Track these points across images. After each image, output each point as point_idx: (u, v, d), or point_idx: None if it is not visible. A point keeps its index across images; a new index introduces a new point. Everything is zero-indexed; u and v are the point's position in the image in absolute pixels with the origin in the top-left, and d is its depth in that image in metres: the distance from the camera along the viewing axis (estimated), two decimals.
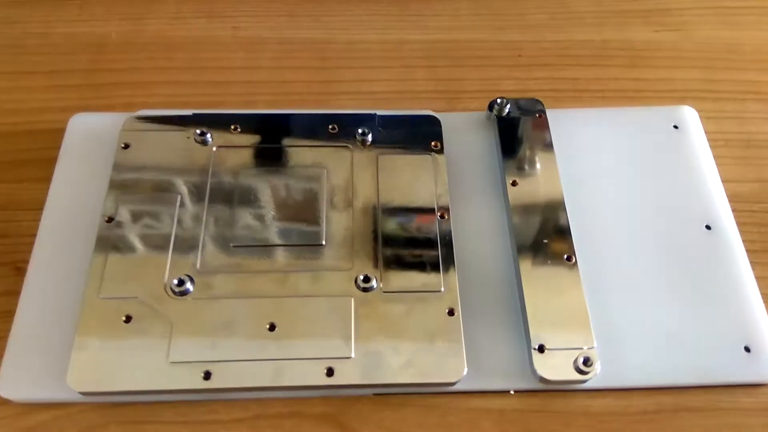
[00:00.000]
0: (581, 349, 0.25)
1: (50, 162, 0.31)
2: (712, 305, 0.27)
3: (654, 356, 0.26)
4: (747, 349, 0.26)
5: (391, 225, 0.28)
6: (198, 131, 0.30)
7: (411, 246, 0.27)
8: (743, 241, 0.29)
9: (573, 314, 0.26)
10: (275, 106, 0.34)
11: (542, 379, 0.25)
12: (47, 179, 0.30)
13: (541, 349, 0.25)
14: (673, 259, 0.28)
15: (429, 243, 0.27)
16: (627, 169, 0.31)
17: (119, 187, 0.28)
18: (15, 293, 0.28)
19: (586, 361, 0.25)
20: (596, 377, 0.25)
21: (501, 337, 0.26)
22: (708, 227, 0.29)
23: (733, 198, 0.31)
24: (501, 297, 0.27)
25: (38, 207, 0.30)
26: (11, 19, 0.37)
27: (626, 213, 0.30)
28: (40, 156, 0.31)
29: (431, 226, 0.28)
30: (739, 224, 0.30)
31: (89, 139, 0.31)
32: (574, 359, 0.25)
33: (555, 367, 0.25)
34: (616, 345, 0.26)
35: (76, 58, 0.35)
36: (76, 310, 0.26)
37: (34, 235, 0.29)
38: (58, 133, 0.32)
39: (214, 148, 0.30)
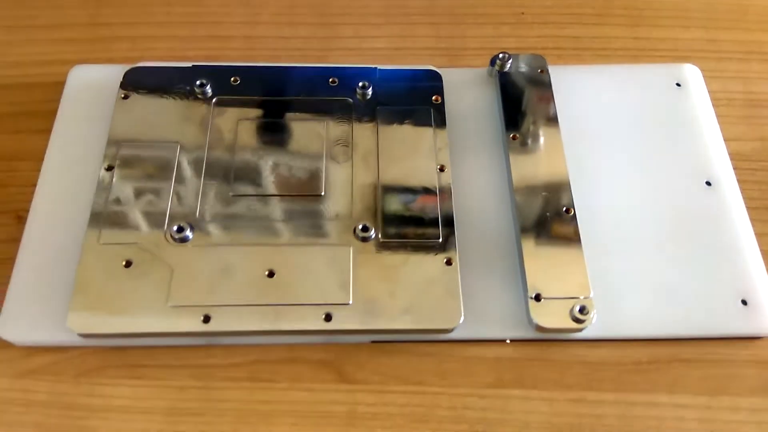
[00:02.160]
0: (578, 298, 0.25)
1: (50, 114, 0.31)
2: (710, 259, 0.27)
3: (651, 308, 0.26)
4: (744, 303, 0.26)
5: (391, 177, 0.28)
6: (198, 83, 0.30)
7: (410, 197, 0.27)
8: (743, 198, 0.29)
9: (570, 265, 0.26)
10: (275, 60, 0.33)
11: (538, 327, 0.25)
12: (47, 131, 0.30)
13: (537, 297, 0.25)
14: (672, 214, 0.28)
15: (428, 194, 0.27)
16: (628, 125, 0.31)
17: (119, 136, 0.28)
18: (16, 241, 0.28)
19: (582, 310, 0.25)
20: (592, 328, 0.25)
21: (498, 288, 0.26)
22: (708, 183, 0.29)
23: (734, 156, 0.31)
24: (499, 248, 0.27)
25: (39, 158, 0.30)
26: None
27: (626, 167, 0.30)
28: (40, 108, 0.31)
29: (431, 178, 0.28)
30: (740, 181, 0.30)
31: (89, 90, 0.30)
32: (570, 308, 0.25)
33: (551, 316, 0.25)
34: (613, 296, 0.26)
35: (75, 12, 0.35)
36: (75, 254, 0.26)
37: (35, 185, 0.29)
38: (58, 86, 0.32)
39: (214, 100, 0.29)
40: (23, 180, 0.29)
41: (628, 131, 0.31)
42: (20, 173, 0.30)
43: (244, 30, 0.35)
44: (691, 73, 0.32)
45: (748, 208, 0.29)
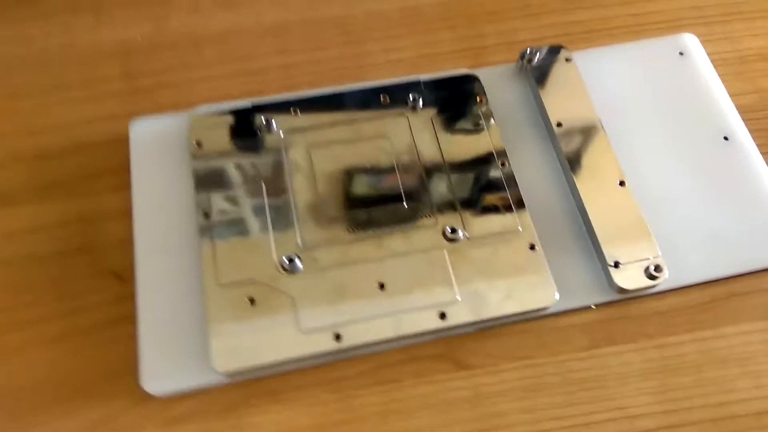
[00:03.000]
0: (649, 259, 0.29)
1: (119, 170, 0.32)
2: (741, 203, 0.31)
3: (702, 254, 0.30)
4: None
5: (461, 178, 0.31)
6: (264, 119, 0.31)
7: (482, 194, 0.30)
8: (756, 145, 0.33)
9: (635, 230, 0.29)
10: (316, 85, 0.35)
11: (620, 290, 0.29)
12: (123, 186, 0.31)
13: (616, 264, 0.29)
14: (701, 168, 0.32)
15: (497, 189, 0.30)
16: (647, 95, 0.34)
17: (205, 182, 0.30)
18: (123, 299, 0.29)
19: (657, 268, 0.28)
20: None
21: (574, 262, 0.30)
22: (726, 138, 0.33)
23: (738, 109, 0.35)
24: (566, 226, 0.31)
25: (123, 214, 0.31)
26: (27, 34, 0.37)
27: (654, 134, 0.33)
28: (106, 165, 0.32)
29: (496, 173, 0.31)
30: (750, 131, 0.34)
31: (155, 141, 0.32)
32: (644, 268, 0.29)
33: (630, 279, 0.29)
34: (670, 251, 0.30)
35: (107, 66, 0.36)
36: (194, 300, 0.28)
37: (125, 242, 0.30)
38: (117, 142, 0.33)
39: (282, 133, 0.31)
40: (113, 239, 0.31)
41: (648, 101, 0.34)
42: (109, 233, 0.31)
43: (277, 59, 0.36)
44: (690, 42, 0.36)
45: (762, 153, 0.33)
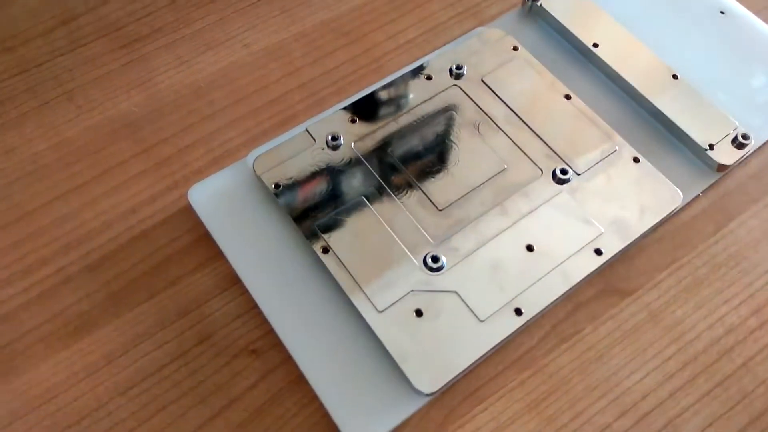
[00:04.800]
0: (730, 132, 0.30)
1: (190, 246, 0.29)
2: (763, 61, 0.34)
3: (757, 115, 0.32)
4: None
5: (540, 122, 0.30)
6: (330, 137, 0.29)
7: (567, 130, 0.30)
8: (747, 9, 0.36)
9: (708, 112, 0.31)
10: (344, 93, 0.34)
11: (720, 167, 0.30)
12: (205, 260, 0.29)
13: (711, 147, 0.30)
14: (715, 44, 0.35)
15: (577, 120, 0.31)
16: None
17: (304, 220, 0.27)
18: (270, 371, 0.27)
19: (744, 136, 0.30)
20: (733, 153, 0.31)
21: (667, 160, 0.31)
22: (722, 12, 0.36)
23: None
24: (645, 132, 0.31)
25: (221, 288, 0.28)
26: (5, 145, 0.32)
27: (664, 28, 0.35)
28: (174, 247, 0.29)
29: (568, 107, 0.31)
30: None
31: (221, 200, 0.29)
32: (732, 140, 0.30)
33: (726, 153, 0.30)
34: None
35: (116, 149, 0.32)
36: (352, 337, 0.26)
37: (242, 314, 0.27)
38: (172, 219, 0.30)
39: (352, 145, 0.30)
40: (226, 317, 0.27)
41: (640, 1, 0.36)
42: (217, 312, 0.27)
43: (293, 81, 0.34)
44: None
45: (755, 13, 0.36)
